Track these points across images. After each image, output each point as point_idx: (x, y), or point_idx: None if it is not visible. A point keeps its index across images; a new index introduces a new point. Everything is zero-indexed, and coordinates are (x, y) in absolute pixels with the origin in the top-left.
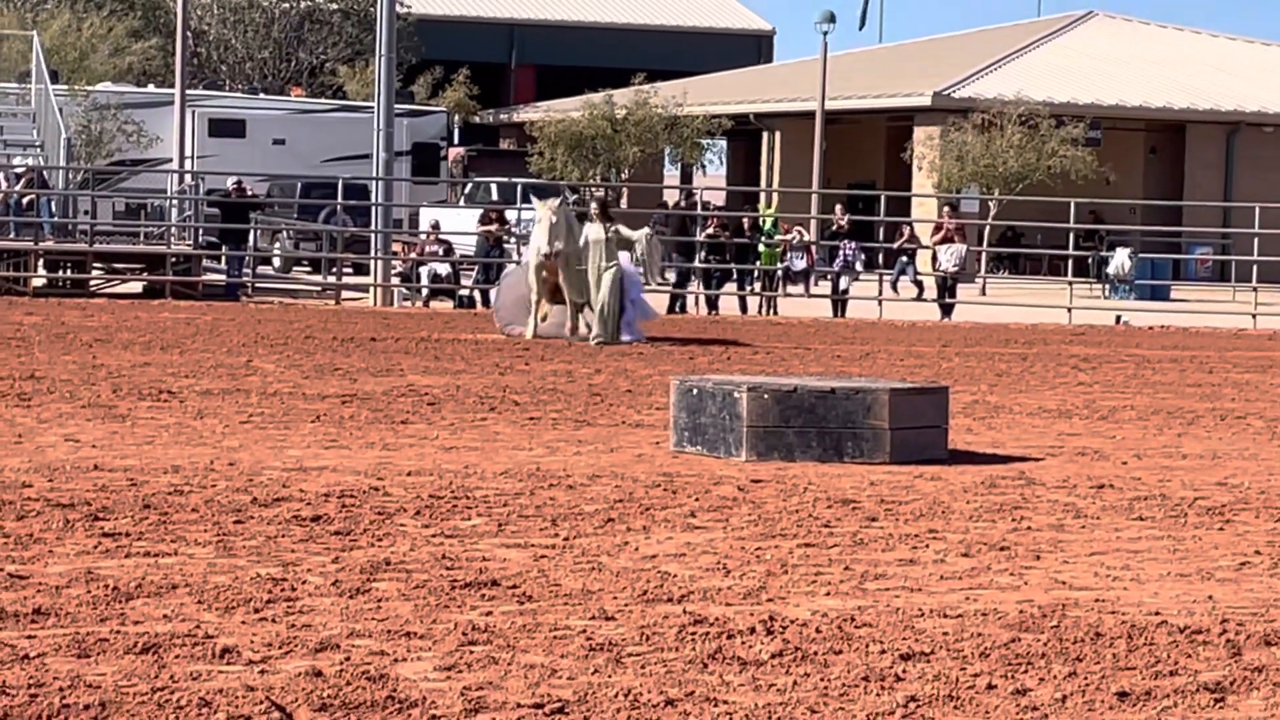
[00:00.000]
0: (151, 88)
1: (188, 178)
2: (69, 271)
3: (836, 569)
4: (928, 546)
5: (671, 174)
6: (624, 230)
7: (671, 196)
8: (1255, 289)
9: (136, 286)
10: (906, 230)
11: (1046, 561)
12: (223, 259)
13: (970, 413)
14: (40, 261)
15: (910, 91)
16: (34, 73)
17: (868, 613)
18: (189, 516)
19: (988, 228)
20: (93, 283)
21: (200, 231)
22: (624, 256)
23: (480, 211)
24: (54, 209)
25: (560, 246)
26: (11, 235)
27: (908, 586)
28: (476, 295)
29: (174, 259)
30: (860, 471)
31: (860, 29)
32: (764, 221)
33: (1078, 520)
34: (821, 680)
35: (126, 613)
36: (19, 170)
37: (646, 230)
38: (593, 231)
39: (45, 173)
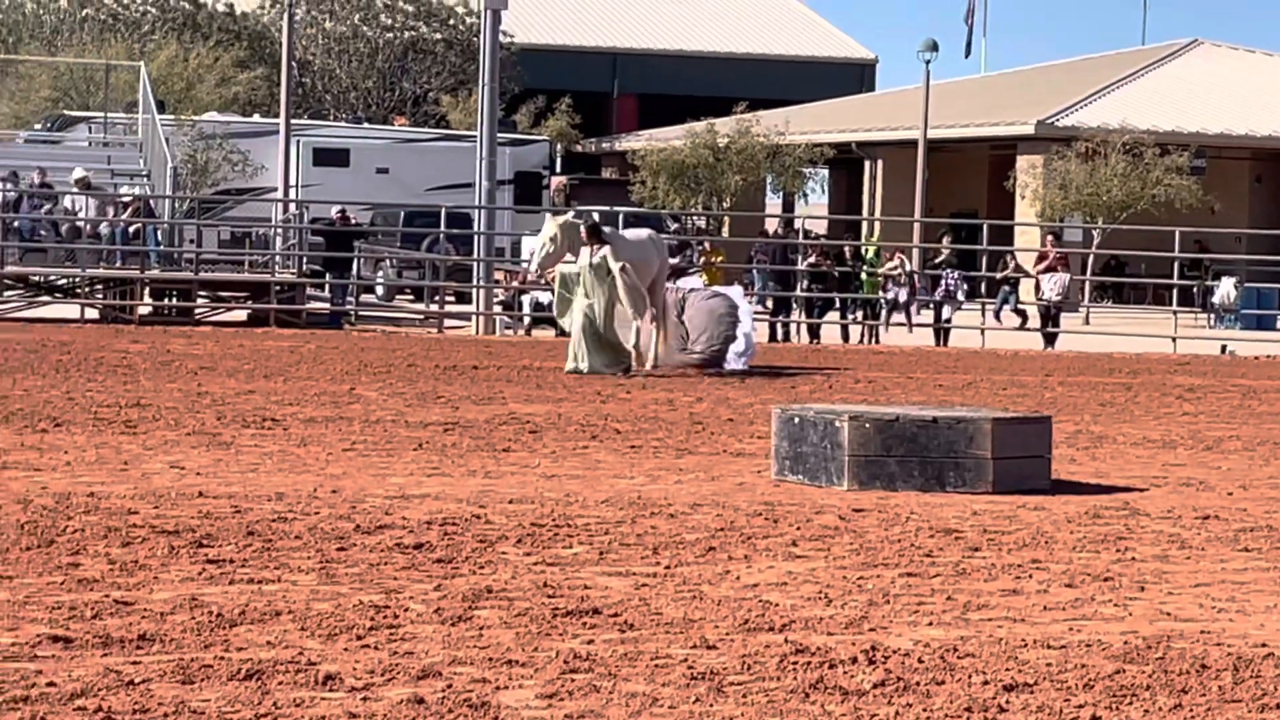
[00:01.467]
0: (257, 117)
1: (292, 206)
2: (174, 300)
3: (939, 599)
4: (1031, 577)
5: (773, 203)
6: (610, 258)
7: (772, 225)
8: None
9: (241, 314)
10: (1010, 259)
11: (1151, 593)
12: (326, 287)
13: (1074, 442)
14: (146, 290)
15: (1013, 120)
16: (141, 102)
17: (970, 643)
18: (292, 543)
19: (1091, 257)
20: (198, 311)
21: (304, 260)
22: (736, 290)
23: None
24: (160, 238)
25: (549, 266)
26: (118, 264)
27: (1011, 617)
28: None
29: (278, 287)
30: (963, 501)
31: (965, 58)
32: (866, 251)
33: (1182, 551)
34: (924, 711)
35: (230, 639)
36: (126, 199)
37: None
38: (584, 257)
39: (152, 201)
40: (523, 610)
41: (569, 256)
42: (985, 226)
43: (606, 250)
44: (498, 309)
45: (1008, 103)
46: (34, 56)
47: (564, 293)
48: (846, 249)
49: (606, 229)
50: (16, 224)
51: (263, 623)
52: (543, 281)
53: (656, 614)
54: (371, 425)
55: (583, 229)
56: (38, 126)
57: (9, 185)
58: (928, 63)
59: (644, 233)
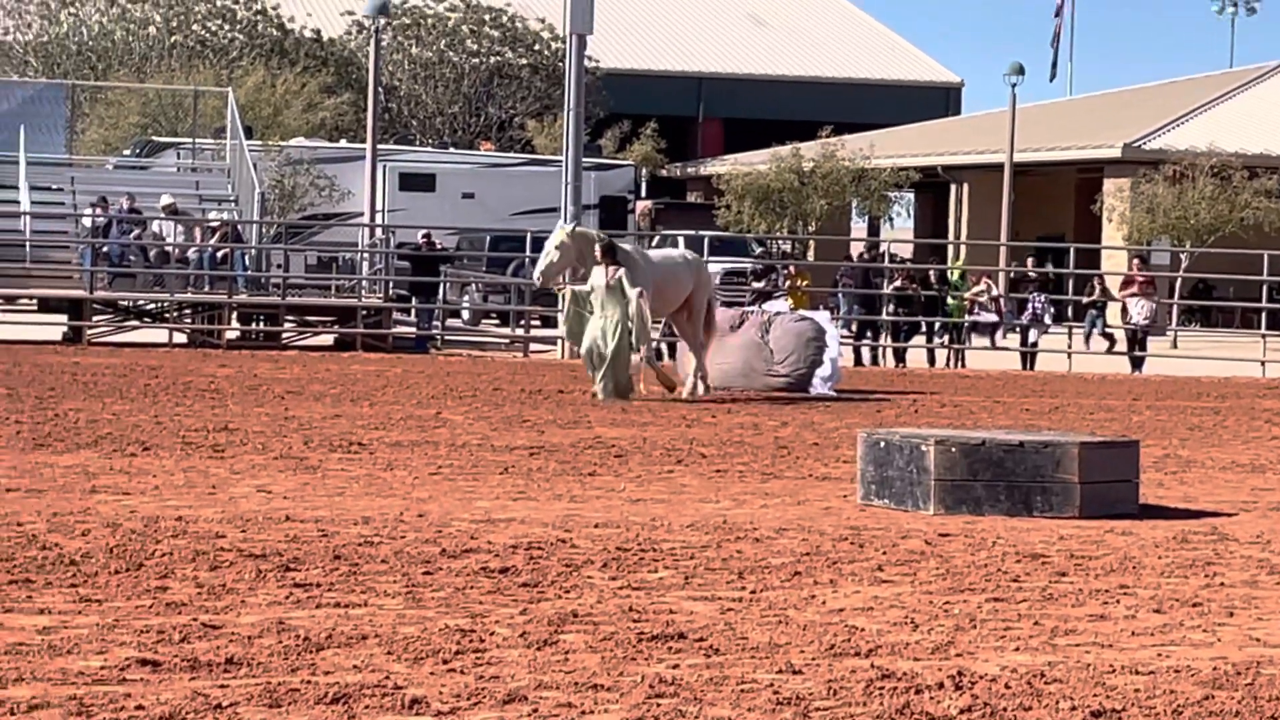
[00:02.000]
0: (343, 143)
1: (378, 231)
2: (262, 324)
3: (1026, 624)
4: (1118, 602)
5: (859, 226)
6: (625, 282)
7: (857, 249)
8: None
9: (328, 339)
10: (1096, 283)
11: (1240, 618)
12: (412, 312)
13: (1161, 467)
14: (234, 314)
15: (1100, 143)
16: (229, 128)
17: (1058, 669)
18: (379, 567)
19: (1179, 280)
20: (285, 335)
21: (390, 284)
22: (824, 315)
23: None
24: (247, 263)
25: (554, 275)
26: (206, 288)
27: (1099, 642)
28: (663, 348)
29: (364, 312)
30: (1049, 526)
31: (1051, 81)
32: (952, 274)
33: (1272, 576)
34: None
35: (317, 663)
36: (214, 224)
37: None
38: (597, 277)
39: (239, 227)
40: (608, 634)
41: (580, 270)
42: (1072, 250)
43: (623, 272)
44: None
45: (1094, 126)
46: (123, 83)
47: (577, 310)
48: (931, 273)
49: (626, 247)
50: (106, 249)
51: (349, 646)
52: (555, 290)
53: (742, 639)
54: (457, 449)
55: (597, 247)
56: (127, 152)
57: (98, 211)
58: (1014, 86)
59: (676, 253)
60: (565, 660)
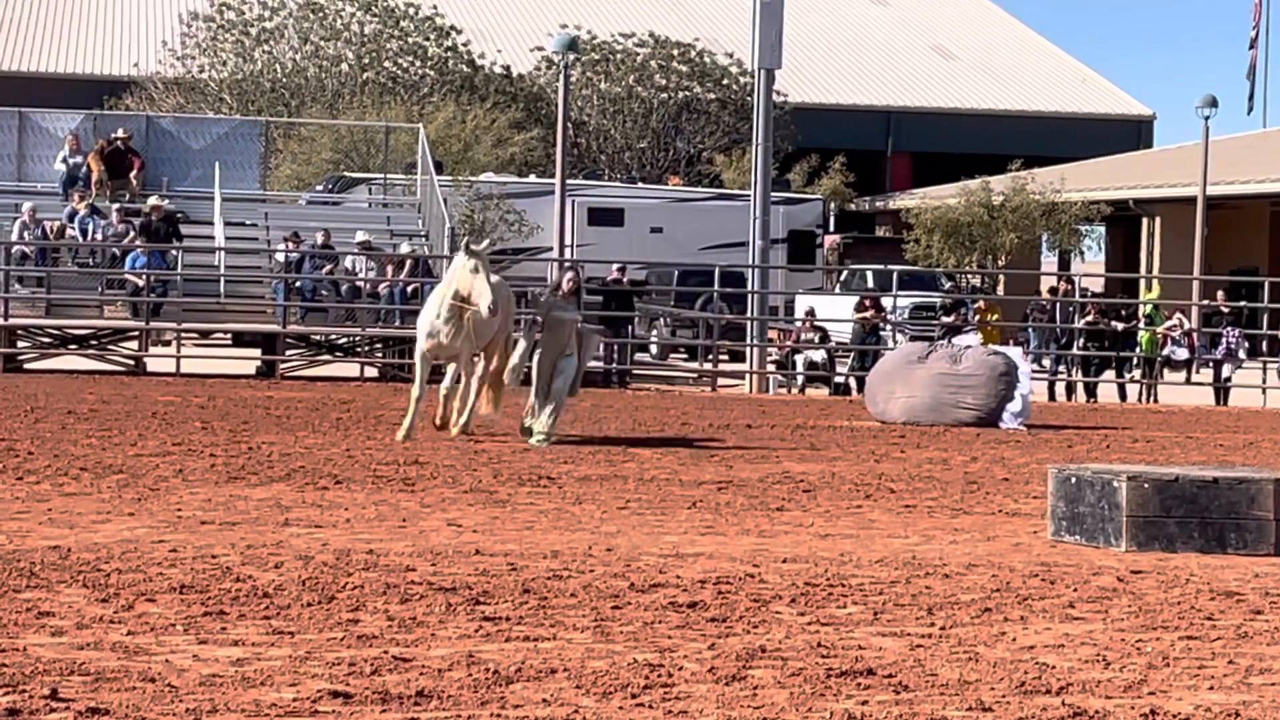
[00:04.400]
0: (533, 178)
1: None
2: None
3: (1220, 662)
4: None
5: (1049, 260)
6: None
7: (1048, 283)
8: None
9: None
10: None
11: None
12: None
13: None
14: None
15: None
16: (419, 164)
17: (1253, 708)
18: (567, 601)
19: None
20: None
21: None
22: (1016, 351)
23: (856, 299)
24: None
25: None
26: (397, 323)
27: None
28: (852, 382)
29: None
30: (1244, 563)
31: (1248, 114)
32: (1146, 308)
33: None
34: None
35: (506, 696)
36: (403, 254)
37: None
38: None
39: (429, 261)
40: (797, 670)
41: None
42: (1266, 284)
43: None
44: (771, 367)
45: None
46: (316, 119)
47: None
48: (1123, 307)
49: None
50: (299, 284)
51: (538, 680)
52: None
53: (931, 675)
54: (646, 483)
55: (566, 281)
56: (319, 188)
57: (291, 246)
58: (1207, 119)
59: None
60: (754, 696)
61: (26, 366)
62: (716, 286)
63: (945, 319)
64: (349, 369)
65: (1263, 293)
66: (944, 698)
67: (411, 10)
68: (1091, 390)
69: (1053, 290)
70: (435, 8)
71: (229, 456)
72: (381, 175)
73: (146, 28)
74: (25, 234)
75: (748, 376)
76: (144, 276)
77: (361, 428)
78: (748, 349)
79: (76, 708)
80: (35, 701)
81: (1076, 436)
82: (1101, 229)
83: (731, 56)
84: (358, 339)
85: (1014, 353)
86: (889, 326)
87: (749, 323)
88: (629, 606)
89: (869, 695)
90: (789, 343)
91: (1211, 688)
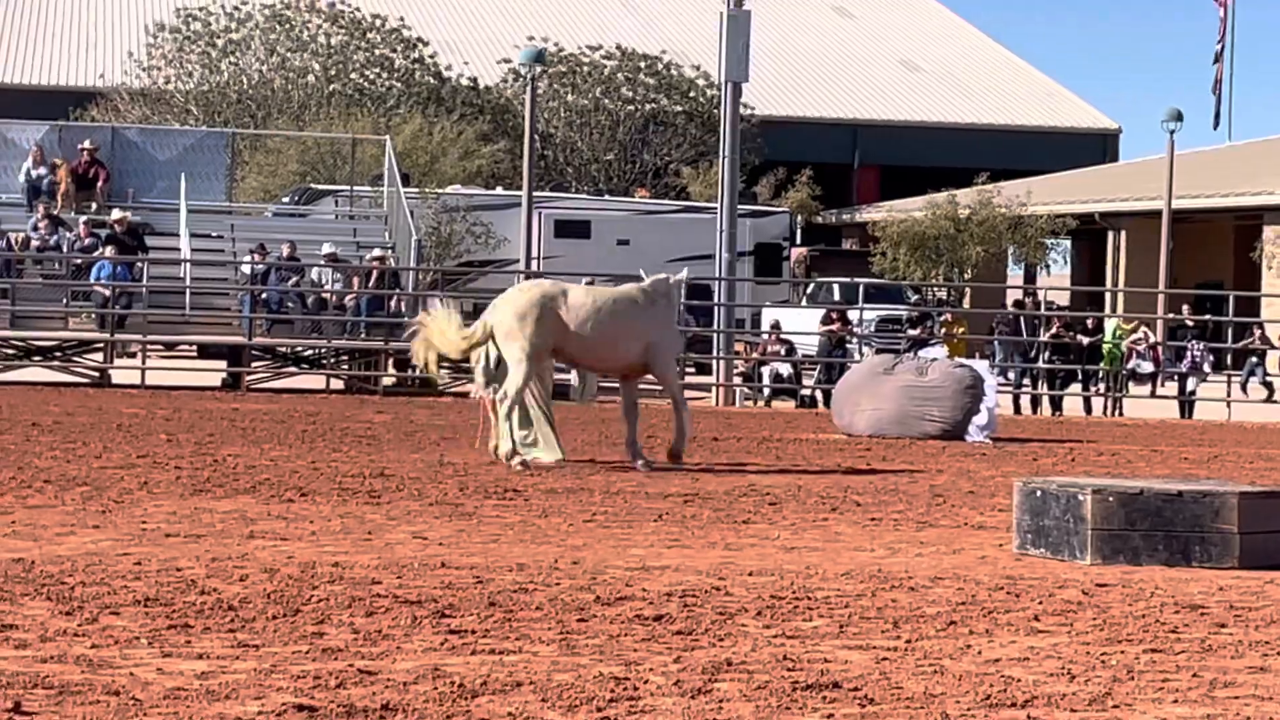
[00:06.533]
0: (499, 190)
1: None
2: (418, 371)
3: (1184, 676)
4: (1279, 654)
5: (1015, 274)
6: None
7: (1014, 296)
8: None
9: None
10: (1256, 331)
11: None
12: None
13: None
14: (391, 361)
15: (1260, 190)
16: (386, 176)
17: None
18: (533, 614)
19: None
20: (441, 382)
21: None
22: (983, 365)
23: (823, 311)
24: (404, 309)
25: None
26: (363, 335)
27: (1259, 695)
28: (818, 395)
29: None
30: (1208, 576)
31: (1215, 128)
32: (1117, 332)
33: None
34: None
35: (472, 710)
36: (375, 257)
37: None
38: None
39: (397, 273)
40: (762, 683)
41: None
42: (1231, 297)
43: None
44: (737, 380)
45: (1253, 172)
46: (283, 131)
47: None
48: (1089, 320)
49: None
50: (265, 296)
51: (504, 693)
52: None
53: (897, 688)
54: (612, 496)
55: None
56: (285, 200)
57: (257, 258)
58: (1172, 133)
59: None
60: (719, 709)
61: None
62: (683, 299)
63: (912, 332)
64: (315, 381)
65: (1228, 306)
66: (909, 711)
67: (378, 22)
68: (1057, 403)
69: (1017, 304)
70: (402, 20)
71: (194, 469)
72: (348, 187)
73: (112, 39)
74: None
75: (714, 389)
76: (110, 288)
77: (327, 440)
78: (714, 361)
79: None
80: None
81: (1042, 449)
82: (1067, 243)
83: (698, 69)
84: (324, 351)
85: (980, 366)
86: (855, 339)
87: (715, 335)
88: (595, 619)
89: (834, 709)
90: (755, 355)
91: (1176, 701)
